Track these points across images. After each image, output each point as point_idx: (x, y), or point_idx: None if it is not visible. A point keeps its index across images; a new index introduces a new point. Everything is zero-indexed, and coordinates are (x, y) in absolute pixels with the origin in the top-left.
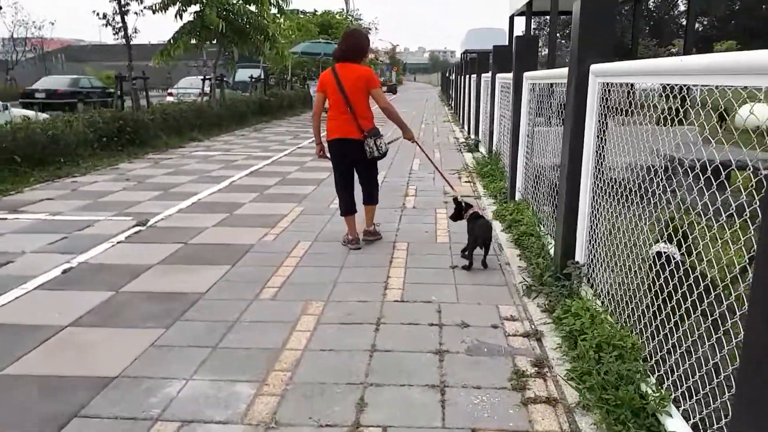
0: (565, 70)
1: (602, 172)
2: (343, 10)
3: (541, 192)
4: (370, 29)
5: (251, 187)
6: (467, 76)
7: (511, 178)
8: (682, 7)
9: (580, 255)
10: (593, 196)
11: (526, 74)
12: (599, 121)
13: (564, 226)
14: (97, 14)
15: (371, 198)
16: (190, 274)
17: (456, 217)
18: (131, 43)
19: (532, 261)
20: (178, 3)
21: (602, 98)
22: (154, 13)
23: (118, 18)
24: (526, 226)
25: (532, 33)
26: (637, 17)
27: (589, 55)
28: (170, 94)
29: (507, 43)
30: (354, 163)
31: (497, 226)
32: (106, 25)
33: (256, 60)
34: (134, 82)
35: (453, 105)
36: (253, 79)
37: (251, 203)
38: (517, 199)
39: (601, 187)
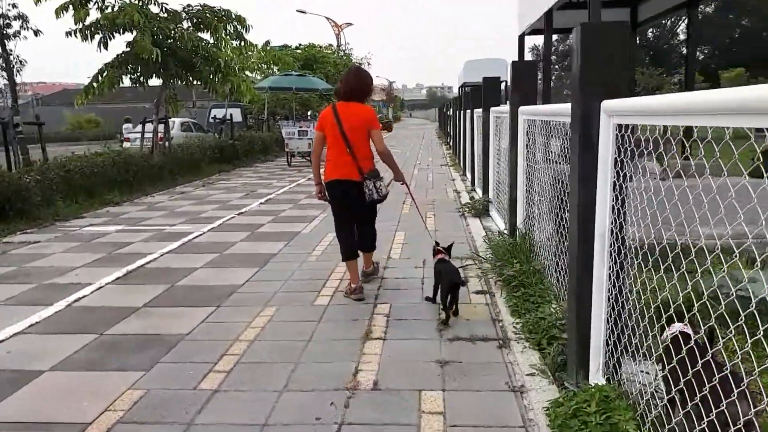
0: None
1: None
2: (331, 44)
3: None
4: (362, 64)
5: (101, 314)
6: (469, 112)
7: (576, 309)
8: (682, 36)
9: None
10: None
11: (605, 104)
12: None
13: None
14: None
15: (369, 245)
16: None
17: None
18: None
19: None
20: (104, 29)
21: None
22: (41, 34)
23: None
24: None
25: (548, 56)
26: None
27: None
28: (127, 140)
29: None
30: (352, 206)
31: None
32: None
33: (237, 99)
34: (19, 129)
35: (452, 145)
36: (217, 120)
37: (65, 364)
38: (598, 369)
39: None
